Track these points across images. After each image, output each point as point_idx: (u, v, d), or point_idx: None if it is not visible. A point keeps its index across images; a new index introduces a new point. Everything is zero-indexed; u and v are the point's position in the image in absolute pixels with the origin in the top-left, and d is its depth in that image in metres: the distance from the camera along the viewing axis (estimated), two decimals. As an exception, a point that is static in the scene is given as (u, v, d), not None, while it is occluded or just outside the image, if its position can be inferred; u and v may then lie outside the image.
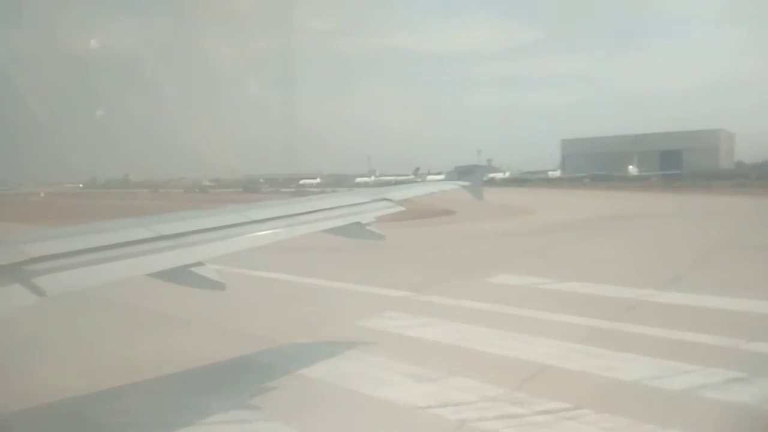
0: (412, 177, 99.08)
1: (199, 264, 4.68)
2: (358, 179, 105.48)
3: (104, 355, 8.34)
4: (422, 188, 10.61)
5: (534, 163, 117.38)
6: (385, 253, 16.24)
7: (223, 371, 7.78)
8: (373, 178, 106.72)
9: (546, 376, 7.36)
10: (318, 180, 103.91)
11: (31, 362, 8.10)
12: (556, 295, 12.10)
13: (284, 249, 12.06)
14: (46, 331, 9.28)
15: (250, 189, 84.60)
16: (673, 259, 17.06)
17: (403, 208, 7.24)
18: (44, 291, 3.63)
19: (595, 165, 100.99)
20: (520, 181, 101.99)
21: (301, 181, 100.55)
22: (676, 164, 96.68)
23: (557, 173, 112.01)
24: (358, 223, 6.36)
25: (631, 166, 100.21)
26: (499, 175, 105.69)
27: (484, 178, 11.11)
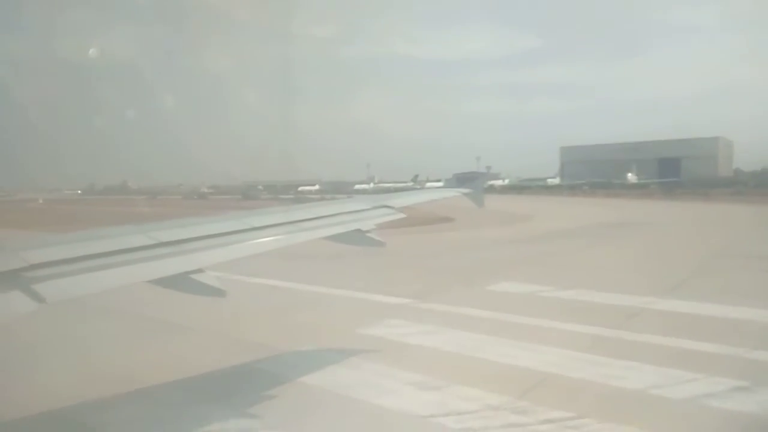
0: (411, 184, 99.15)
1: (199, 271, 4.66)
2: (357, 186, 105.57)
3: (103, 363, 8.27)
4: (423, 195, 10.60)
5: (533, 171, 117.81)
6: (385, 260, 16.19)
7: (222, 379, 7.71)
8: (372, 184, 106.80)
9: (548, 384, 7.31)
10: (317, 187, 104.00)
11: (31, 369, 8.03)
12: (557, 303, 12.06)
13: (285, 256, 12.01)
14: (46, 337, 9.22)
15: (249, 196, 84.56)
16: (674, 267, 17.02)
17: (403, 215, 7.21)
18: (44, 298, 3.61)
19: (594, 172, 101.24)
20: (519, 188, 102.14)
21: (300, 188, 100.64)
22: (674, 172, 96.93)
23: (556, 180, 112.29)
24: (358, 230, 6.34)
25: (629, 174, 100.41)
26: (498, 183, 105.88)
27: (485, 186, 11.08)
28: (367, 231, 6.39)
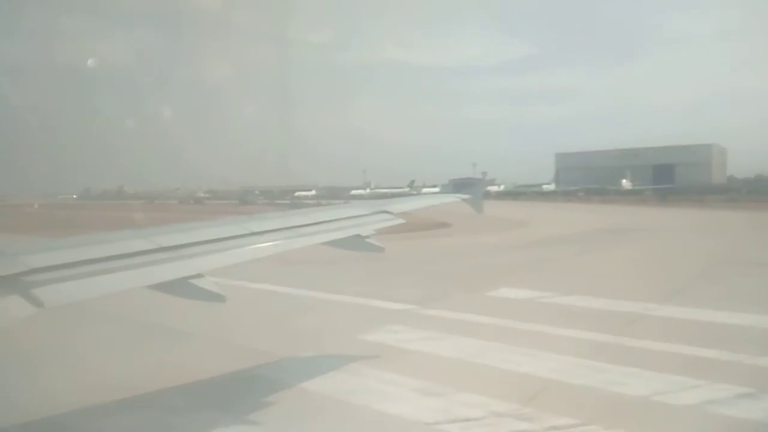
0: (407, 189, 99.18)
1: (199, 276, 4.61)
2: (354, 191, 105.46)
3: (102, 368, 8.17)
4: (422, 201, 10.56)
5: (528, 177, 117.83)
6: (384, 265, 16.12)
7: (222, 385, 7.62)
8: (368, 190, 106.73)
9: (552, 391, 7.25)
10: (313, 192, 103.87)
11: (27, 375, 7.91)
12: (557, 309, 12.02)
13: (284, 261, 11.94)
14: (44, 342, 9.12)
15: (245, 201, 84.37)
16: (672, 273, 17.04)
17: (402, 221, 7.19)
18: (43, 302, 3.56)
19: (589, 179, 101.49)
20: (515, 194, 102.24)
21: (297, 193, 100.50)
22: (669, 178, 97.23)
23: (551, 186, 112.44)
24: (357, 236, 6.30)
25: (624, 180, 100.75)
26: (493, 188, 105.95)
27: (484, 191, 11.07)
28: (367, 236, 6.35)
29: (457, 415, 6.42)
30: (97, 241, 4.60)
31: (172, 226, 5.45)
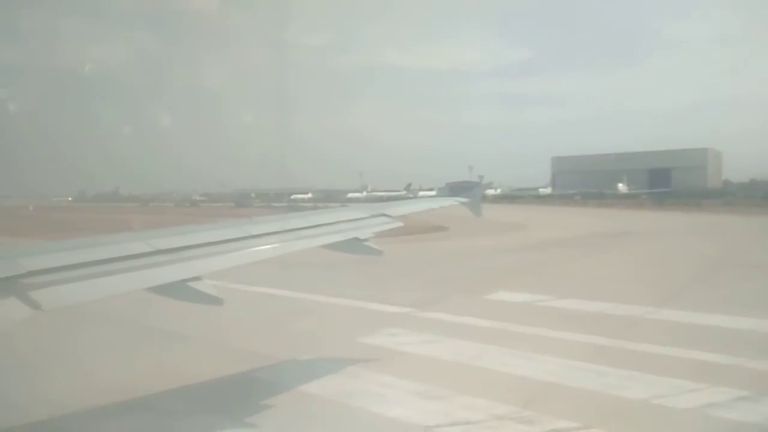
0: (404, 193, 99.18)
1: (197, 279, 4.59)
2: (350, 194, 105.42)
3: (100, 371, 8.13)
4: (421, 204, 10.54)
5: (525, 180, 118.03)
6: (382, 268, 16.08)
7: (220, 388, 7.59)
8: (365, 193, 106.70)
9: (552, 394, 7.24)
10: (310, 195, 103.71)
11: (24, 377, 7.85)
12: (555, 313, 12.01)
13: (283, 264, 11.90)
14: (43, 345, 9.08)
15: (241, 204, 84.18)
16: (670, 276, 17.06)
17: (401, 224, 7.19)
18: (40, 304, 3.55)
19: (585, 182, 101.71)
20: (511, 197, 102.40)
21: (293, 196, 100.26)
22: (665, 182, 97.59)
23: (548, 190, 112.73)
24: (356, 239, 6.30)
25: (620, 184, 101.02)
26: (490, 192, 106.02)
27: (482, 195, 11.07)
28: (365, 240, 6.34)
29: (457, 418, 6.39)
30: (95, 243, 4.59)
31: (169, 228, 5.43)
